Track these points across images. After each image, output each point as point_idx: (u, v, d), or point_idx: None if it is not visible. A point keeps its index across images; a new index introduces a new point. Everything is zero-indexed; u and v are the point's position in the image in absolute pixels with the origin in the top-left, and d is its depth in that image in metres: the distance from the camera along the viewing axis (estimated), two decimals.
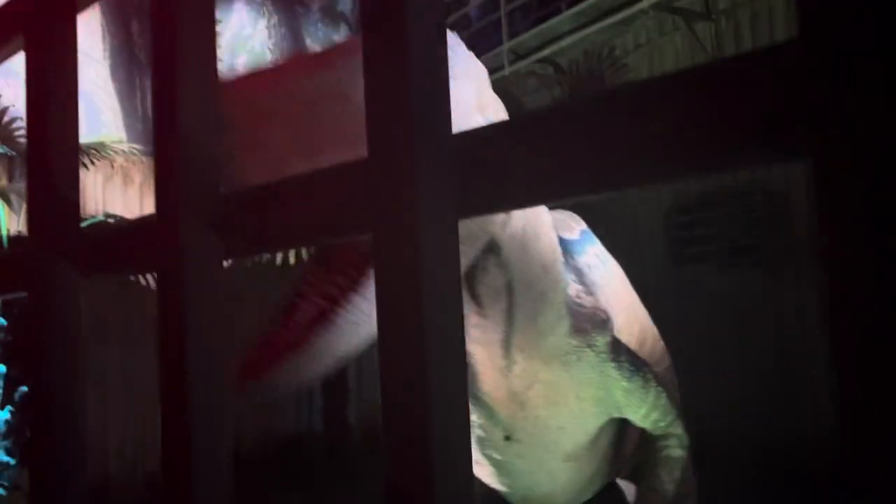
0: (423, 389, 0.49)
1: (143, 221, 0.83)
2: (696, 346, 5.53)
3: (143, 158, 5.68)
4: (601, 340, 1.72)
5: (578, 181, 0.43)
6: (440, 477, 0.48)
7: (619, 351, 1.76)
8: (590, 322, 1.69)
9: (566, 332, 1.66)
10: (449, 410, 0.50)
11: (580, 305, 1.69)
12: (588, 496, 2.09)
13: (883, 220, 0.33)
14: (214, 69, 0.70)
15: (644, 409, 1.87)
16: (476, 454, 1.90)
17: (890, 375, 0.34)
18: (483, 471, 1.95)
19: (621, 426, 2.04)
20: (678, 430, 1.98)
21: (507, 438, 1.82)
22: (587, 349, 1.69)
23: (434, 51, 0.54)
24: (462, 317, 0.53)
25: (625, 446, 2.11)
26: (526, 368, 1.65)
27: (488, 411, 1.78)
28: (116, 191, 5.65)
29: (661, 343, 2.10)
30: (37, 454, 0.88)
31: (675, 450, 2.01)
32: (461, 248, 0.50)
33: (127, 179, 5.75)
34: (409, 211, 0.51)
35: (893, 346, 0.34)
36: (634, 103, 0.39)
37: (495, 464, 1.91)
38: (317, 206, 0.58)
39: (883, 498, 0.34)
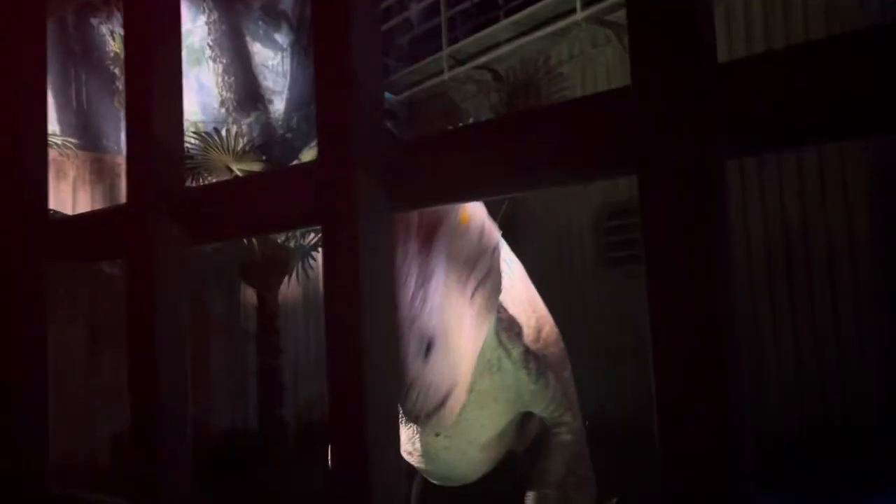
0: (357, 355, 0.62)
1: (109, 211, 0.92)
2: (619, 344, 5.78)
3: (78, 153, 5.59)
4: (516, 351, 2.02)
5: (481, 185, 0.56)
6: (375, 458, 0.60)
7: (528, 359, 2.07)
8: (507, 333, 1.98)
9: (495, 344, 1.95)
10: (379, 400, 0.62)
11: (499, 318, 1.95)
12: (491, 468, 2.40)
13: (687, 223, 0.46)
14: (180, 79, 0.81)
15: (544, 404, 2.22)
16: (408, 446, 2.12)
17: (698, 372, 0.47)
18: (412, 458, 2.18)
19: (523, 416, 2.38)
20: (569, 418, 2.28)
21: (437, 435, 2.10)
22: (507, 359, 1.99)
23: (370, 75, 0.66)
24: (391, 298, 0.65)
25: (525, 430, 2.47)
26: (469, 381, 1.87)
27: None
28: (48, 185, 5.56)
29: (556, 330, 2.44)
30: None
31: (566, 435, 2.32)
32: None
33: (60, 174, 5.66)
34: (350, 207, 0.63)
35: (705, 342, 0.47)
36: (517, 126, 0.53)
37: (424, 453, 2.18)
38: (273, 202, 0.69)
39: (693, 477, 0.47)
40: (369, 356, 0.61)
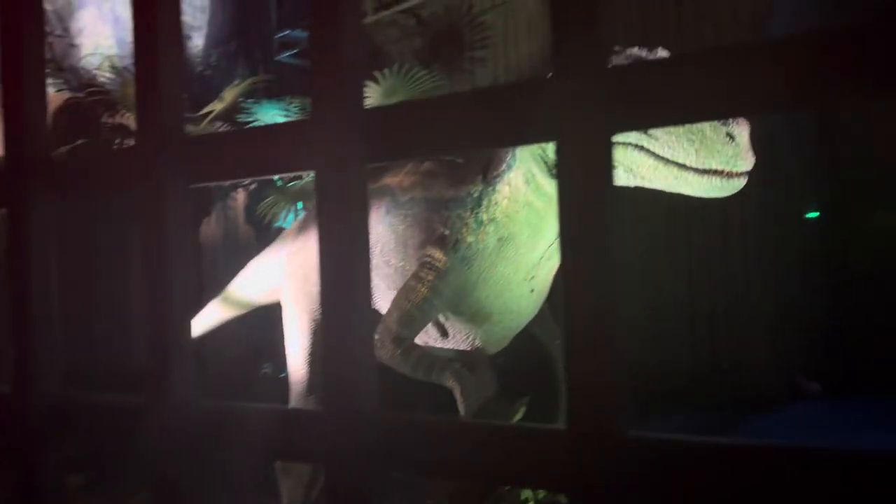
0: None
1: (120, 152, 1.07)
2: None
3: None
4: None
5: (437, 144, 0.77)
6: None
7: None
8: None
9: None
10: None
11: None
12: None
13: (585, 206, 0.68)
14: (181, 39, 0.96)
15: None
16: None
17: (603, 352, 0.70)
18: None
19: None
20: None
21: (532, 291, 2.66)
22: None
23: (357, 53, 0.84)
24: (367, 222, 0.85)
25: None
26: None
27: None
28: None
29: None
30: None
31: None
32: None
33: None
34: (334, 156, 0.82)
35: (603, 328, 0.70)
36: (470, 100, 0.73)
37: (516, 311, 2.70)
38: (271, 150, 0.87)
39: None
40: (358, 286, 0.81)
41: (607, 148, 0.69)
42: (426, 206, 2.66)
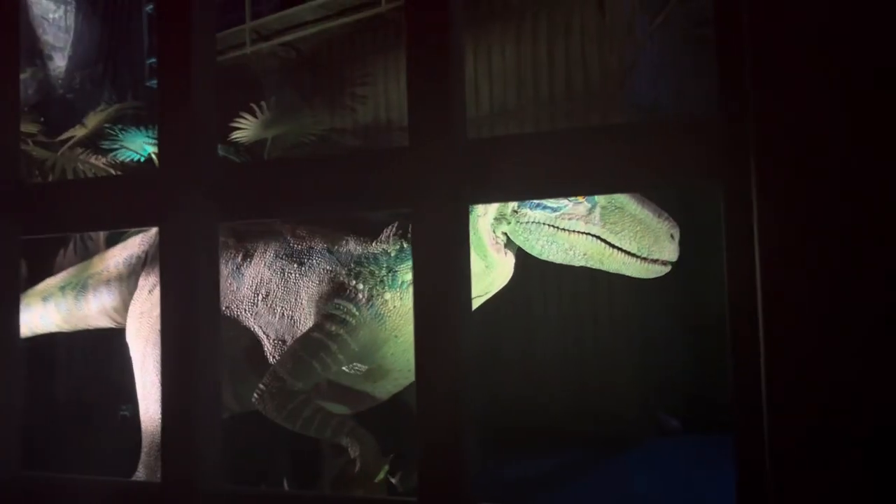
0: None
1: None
2: None
3: None
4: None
5: (286, 209, 0.75)
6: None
7: None
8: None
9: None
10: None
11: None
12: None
13: None
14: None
15: None
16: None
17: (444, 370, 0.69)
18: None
19: None
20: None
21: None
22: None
23: (209, 116, 0.81)
24: (218, 285, 0.81)
25: None
26: None
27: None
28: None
29: None
30: None
31: None
32: None
33: None
34: (180, 213, 0.78)
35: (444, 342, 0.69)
36: (327, 164, 0.72)
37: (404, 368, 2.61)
38: (115, 202, 0.82)
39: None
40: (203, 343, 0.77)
41: (460, 216, 0.70)
42: (329, 259, 2.58)
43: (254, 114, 5.80)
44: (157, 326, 2.75)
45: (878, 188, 0.49)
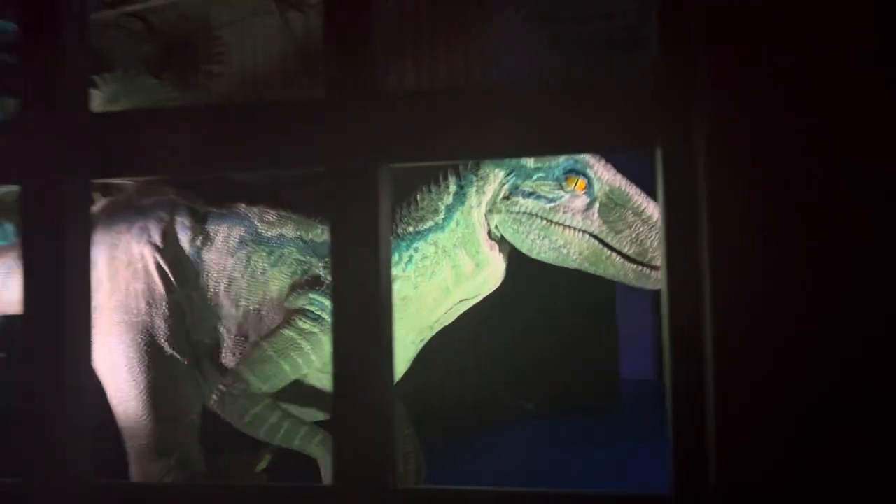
0: None
1: None
2: None
3: None
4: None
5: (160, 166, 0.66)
6: None
7: None
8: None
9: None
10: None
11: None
12: None
13: None
14: None
15: None
16: None
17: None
18: None
19: None
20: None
21: (414, 355, 2.33)
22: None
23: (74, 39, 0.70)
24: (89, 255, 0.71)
25: None
26: None
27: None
28: None
29: None
30: None
31: None
32: None
33: None
34: (44, 168, 0.67)
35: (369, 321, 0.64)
36: (205, 114, 0.64)
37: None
38: None
39: None
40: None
41: (379, 178, 0.64)
42: (303, 248, 2.30)
43: (96, 86, 5.35)
44: (117, 317, 2.32)
45: (835, 143, 0.48)
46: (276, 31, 6.78)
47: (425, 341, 2.33)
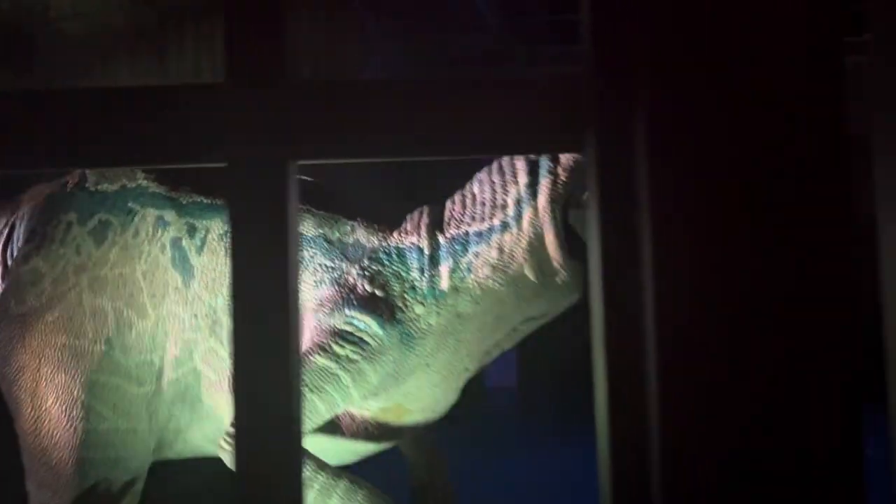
0: None
1: None
2: None
3: None
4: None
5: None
6: None
7: None
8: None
9: None
10: None
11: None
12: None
13: None
14: None
15: None
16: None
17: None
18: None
19: None
20: None
21: (462, 385, 1.92)
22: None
23: None
24: None
25: None
26: None
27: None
28: None
29: None
30: None
31: None
32: None
33: None
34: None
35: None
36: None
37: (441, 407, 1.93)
38: None
39: None
40: None
41: (285, 175, 0.57)
42: (328, 250, 1.81)
43: None
44: (59, 339, 1.74)
45: (785, 140, 0.47)
46: (127, 28, 6.38)
47: (470, 372, 1.91)
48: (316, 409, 1.69)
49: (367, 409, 1.85)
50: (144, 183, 1.90)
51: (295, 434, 0.53)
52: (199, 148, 0.56)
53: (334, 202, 1.90)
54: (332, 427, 1.84)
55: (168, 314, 1.81)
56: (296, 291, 0.55)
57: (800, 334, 0.47)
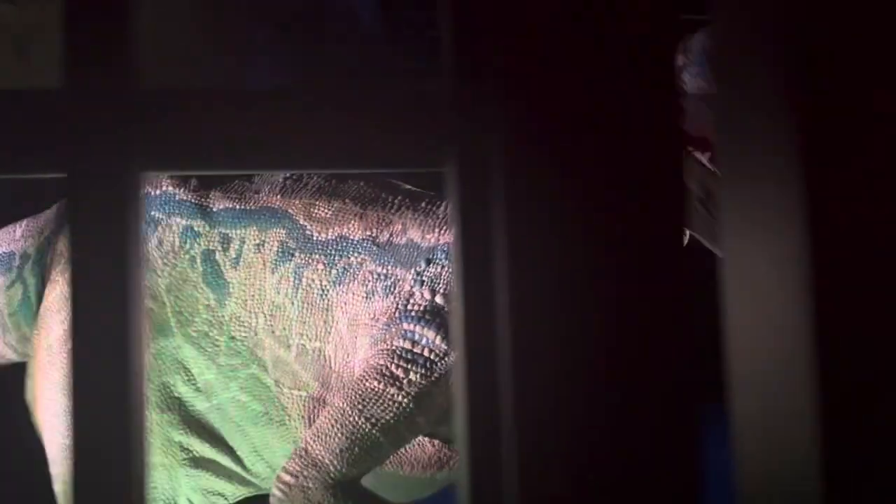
0: None
1: None
2: None
3: None
4: None
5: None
6: None
7: None
8: None
9: None
10: None
11: None
12: None
13: None
14: None
15: None
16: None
17: None
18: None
19: None
20: None
21: None
22: None
23: None
24: None
25: None
26: None
27: None
28: None
29: None
30: None
31: None
32: None
33: None
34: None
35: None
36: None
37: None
38: None
39: None
40: None
41: (132, 191, 0.54)
42: (378, 255, 1.58)
43: None
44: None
45: (626, 149, 0.49)
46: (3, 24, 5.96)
47: None
48: (378, 445, 1.46)
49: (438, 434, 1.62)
50: (171, 190, 1.72)
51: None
52: (35, 157, 0.52)
53: (378, 195, 1.67)
54: (400, 461, 1.61)
55: (199, 335, 1.62)
56: (140, 316, 0.51)
57: (634, 334, 0.49)
